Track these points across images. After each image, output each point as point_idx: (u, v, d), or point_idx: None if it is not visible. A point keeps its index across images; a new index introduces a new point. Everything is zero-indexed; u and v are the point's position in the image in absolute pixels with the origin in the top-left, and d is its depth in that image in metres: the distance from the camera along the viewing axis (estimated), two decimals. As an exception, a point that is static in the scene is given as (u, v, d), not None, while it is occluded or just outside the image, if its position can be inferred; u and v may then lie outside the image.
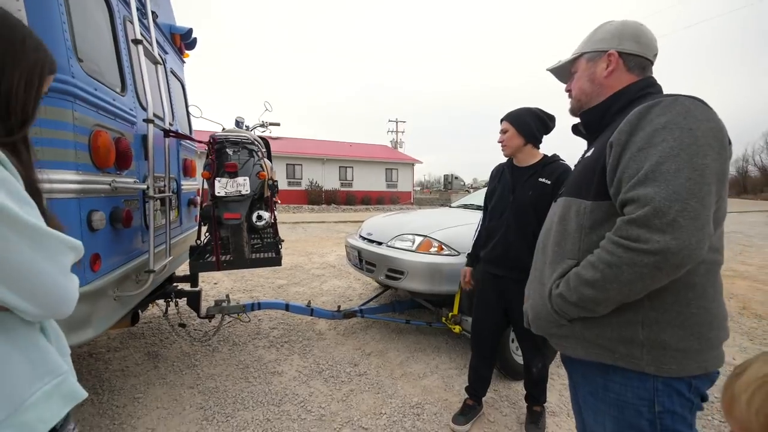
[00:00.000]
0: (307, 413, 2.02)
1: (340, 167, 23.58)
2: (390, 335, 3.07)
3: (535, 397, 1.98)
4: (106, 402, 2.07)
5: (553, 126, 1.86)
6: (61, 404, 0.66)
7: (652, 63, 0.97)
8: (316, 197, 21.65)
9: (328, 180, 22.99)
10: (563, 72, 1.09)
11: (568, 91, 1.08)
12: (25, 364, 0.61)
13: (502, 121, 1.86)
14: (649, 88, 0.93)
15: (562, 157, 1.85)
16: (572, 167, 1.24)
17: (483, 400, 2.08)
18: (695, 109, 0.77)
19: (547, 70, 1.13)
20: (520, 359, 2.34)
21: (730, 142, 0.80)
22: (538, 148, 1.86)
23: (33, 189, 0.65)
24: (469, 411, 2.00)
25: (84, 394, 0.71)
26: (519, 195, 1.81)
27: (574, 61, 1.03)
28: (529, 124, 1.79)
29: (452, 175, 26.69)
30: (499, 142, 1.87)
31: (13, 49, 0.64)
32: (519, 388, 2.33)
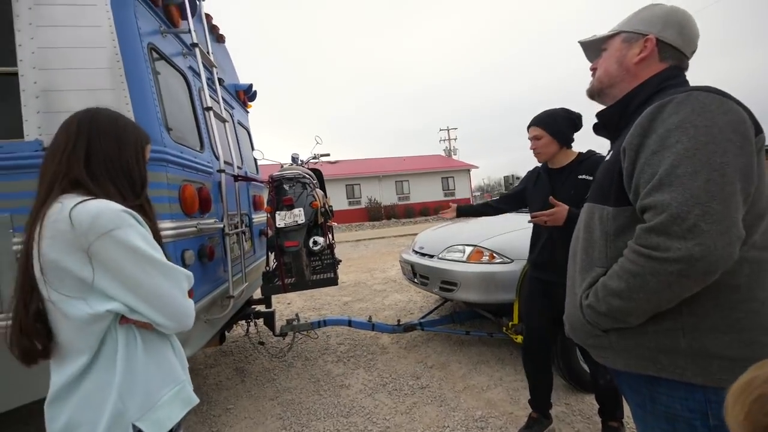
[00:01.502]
0: (373, 425, 2.15)
1: (396, 182, 24.03)
2: (452, 347, 3.09)
3: (610, 411, 1.85)
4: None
5: (581, 123, 1.80)
6: (181, 407, 0.86)
7: (688, 59, 0.90)
8: (376, 213, 22.26)
9: (386, 195, 23.53)
10: (594, 48, 1.02)
11: (593, 69, 1.01)
12: (159, 372, 0.84)
13: (530, 126, 1.81)
14: (670, 80, 0.86)
15: (596, 151, 1.79)
16: None
17: (552, 414, 2.00)
18: (711, 103, 0.72)
19: (579, 42, 1.05)
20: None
21: (759, 131, 0.74)
22: (572, 149, 1.82)
23: (157, 236, 0.90)
24: (535, 424, 1.94)
25: (197, 400, 0.92)
26: (560, 196, 1.74)
27: (608, 38, 0.96)
28: (562, 128, 1.75)
29: (513, 175, 25.43)
30: (532, 149, 1.82)
31: (124, 137, 0.89)
32: (593, 401, 2.19)
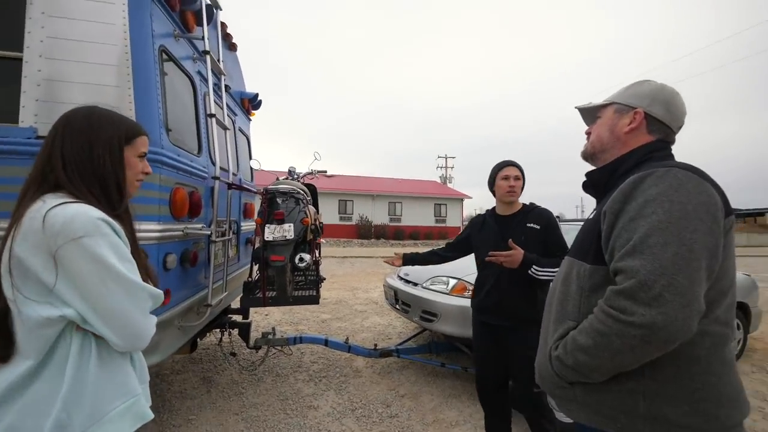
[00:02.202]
0: (337, 451, 2.08)
1: (389, 203, 24.16)
2: (426, 378, 3.05)
3: None
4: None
5: None
6: (132, 422, 0.81)
7: (674, 133, 0.97)
8: (366, 232, 22.22)
9: (378, 215, 23.59)
10: (590, 114, 1.10)
11: (587, 133, 1.09)
12: (111, 384, 0.79)
13: (510, 166, 1.90)
14: (656, 152, 0.93)
15: (537, 204, 1.93)
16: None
17: None
18: (688, 182, 0.78)
19: (576, 107, 1.14)
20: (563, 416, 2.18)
21: (729, 213, 0.79)
22: None
23: (135, 246, 0.86)
24: None
25: (151, 415, 0.85)
26: (512, 241, 1.79)
27: (602, 107, 1.04)
28: (525, 177, 1.90)
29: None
30: (511, 186, 1.86)
31: (95, 135, 0.84)
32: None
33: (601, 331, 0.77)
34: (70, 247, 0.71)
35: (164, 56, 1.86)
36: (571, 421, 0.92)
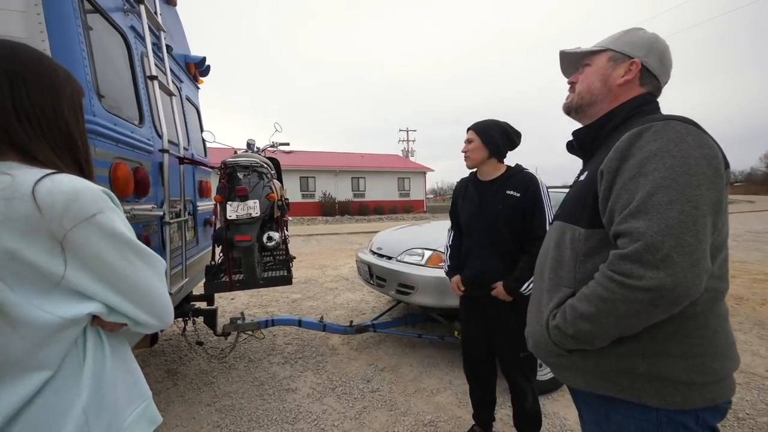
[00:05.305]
0: (320, 431, 2.04)
1: (352, 178, 23.83)
2: (403, 349, 3.07)
3: None
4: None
5: (519, 142, 1.83)
6: (147, 427, 0.70)
7: (662, 87, 0.93)
8: (330, 209, 21.89)
9: (341, 191, 23.25)
10: (574, 62, 1.00)
11: (571, 83, 0.99)
12: (125, 387, 0.68)
13: (468, 130, 1.82)
14: (645, 105, 0.89)
15: (524, 167, 1.83)
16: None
17: (494, 424, 2.02)
18: (687, 134, 0.73)
19: (561, 51, 1.03)
20: (545, 374, 2.26)
21: (727, 166, 0.77)
22: (503, 162, 1.83)
23: None
24: None
25: (161, 419, 0.75)
26: (489, 210, 1.74)
27: (593, 53, 0.95)
28: (495, 137, 1.74)
29: (465, 181, 26.55)
30: (463, 152, 1.80)
31: (57, 83, 0.66)
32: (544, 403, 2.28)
33: (605, 298, 0.73)
34: (83, 228, 0.58)
35: (87, 5, 1.54)
36: (548, 378, 0.91)
